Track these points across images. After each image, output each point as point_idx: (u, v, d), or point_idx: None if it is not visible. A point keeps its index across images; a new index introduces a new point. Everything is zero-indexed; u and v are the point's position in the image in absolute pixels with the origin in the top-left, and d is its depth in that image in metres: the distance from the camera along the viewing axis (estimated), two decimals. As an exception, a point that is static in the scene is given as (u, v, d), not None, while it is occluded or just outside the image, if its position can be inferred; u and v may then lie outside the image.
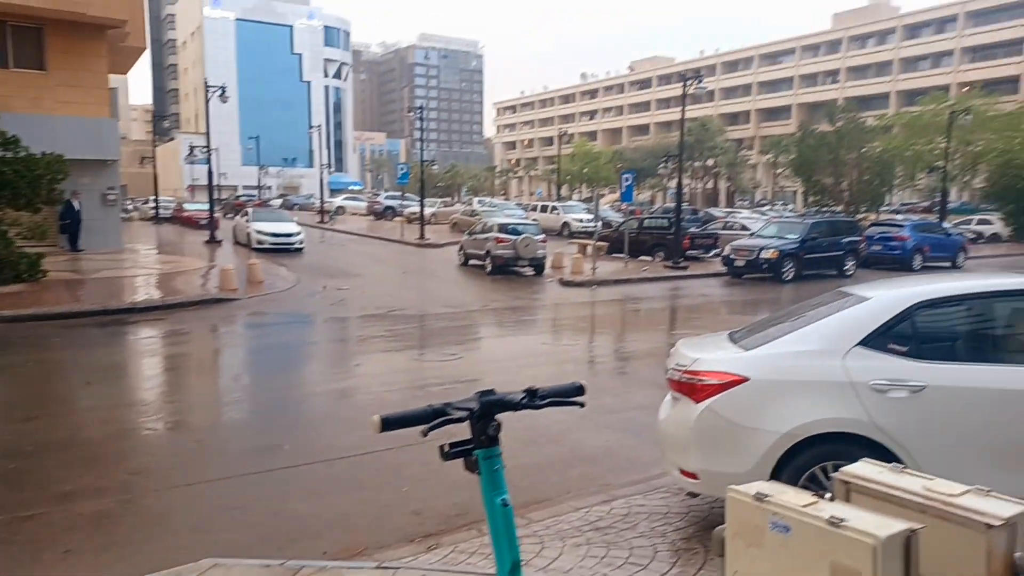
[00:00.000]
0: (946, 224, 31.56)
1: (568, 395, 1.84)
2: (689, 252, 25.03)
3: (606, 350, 12.18)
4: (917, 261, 23.67)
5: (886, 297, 4.15)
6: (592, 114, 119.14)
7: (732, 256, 21.43)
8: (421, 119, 36.92)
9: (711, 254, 25.91)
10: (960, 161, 45.61)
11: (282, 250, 25.71)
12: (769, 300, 17.39)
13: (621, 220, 31.33)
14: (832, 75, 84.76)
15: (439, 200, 57.51)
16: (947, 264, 24.74)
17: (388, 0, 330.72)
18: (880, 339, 3.92)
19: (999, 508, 2.03)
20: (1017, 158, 37.88)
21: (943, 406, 3.74)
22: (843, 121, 36.91)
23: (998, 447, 3.74)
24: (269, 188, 76.19)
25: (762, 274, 20.73)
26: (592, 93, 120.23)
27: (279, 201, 62.76)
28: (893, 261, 23.58)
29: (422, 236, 31.38)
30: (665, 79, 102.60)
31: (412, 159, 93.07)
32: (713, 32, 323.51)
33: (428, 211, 38.65)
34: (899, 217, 35.96)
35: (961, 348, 4.19)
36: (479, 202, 48.63)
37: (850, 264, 22.07)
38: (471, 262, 23.03)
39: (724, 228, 29.67)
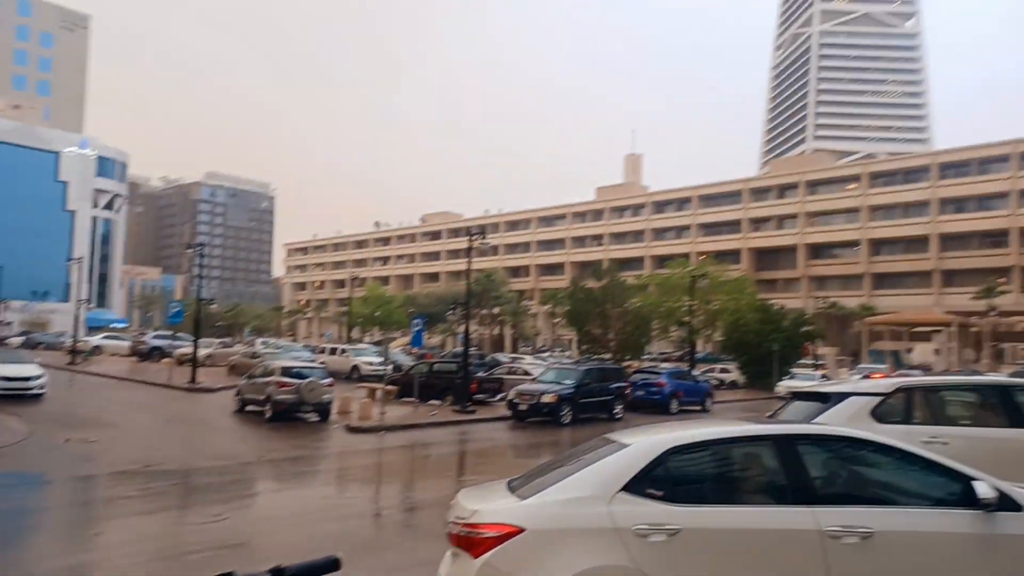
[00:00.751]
0: (695, 372, 35.82)
1: (321, 571, 1.64)
2: (477, 396, 25.59)
3: (393, 501, 11.73)
4: (674, 405, 26.36)
5: (643, 444, 4.47)
6: (385, 260, 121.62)
7: (516, 400, 22.28)
8: (201, 255, 35.04)
9: (497, 398, 26.70)
10: (703, 317, 52.85)
11: (16, 396, 21.99)
12: (549, 443, 18.13)
13: (411, 364, 31.43)
14: (598, 239, 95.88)
15: (217, 340, 53.70)
16: (698, 408, 27.82)
17: (175, 137, 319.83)
18: (640, 484, 4.14)
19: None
20: (743, 317, 44.81)
21: (697, 548, 3.97)
22: (607, 279, 41.46)
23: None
24: (10, 324, 66.08)
25: (543, 417, 21.68)
26: (385, 240, 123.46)
27: (20, 339, 54.48)
28: (654, 405, 26.02)
29: (194, 380, 28.76)
30: (455, 232, 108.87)
31: (190, 296, 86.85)
32: (499, 191, 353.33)
33: (203, 352, 35.80)
34: (663, 365, 40.18)
35: (711, 491, 4.54)
36: (263, 343, 46.20)
37: (619, 408, 23.92)
38: (249, 408, 21.43)
39: (509, 373, 30.93)
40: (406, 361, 35.58)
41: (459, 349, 45.94)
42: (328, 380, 21.27)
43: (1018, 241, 64.43)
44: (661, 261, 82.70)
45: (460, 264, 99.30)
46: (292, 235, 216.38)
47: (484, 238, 27.85)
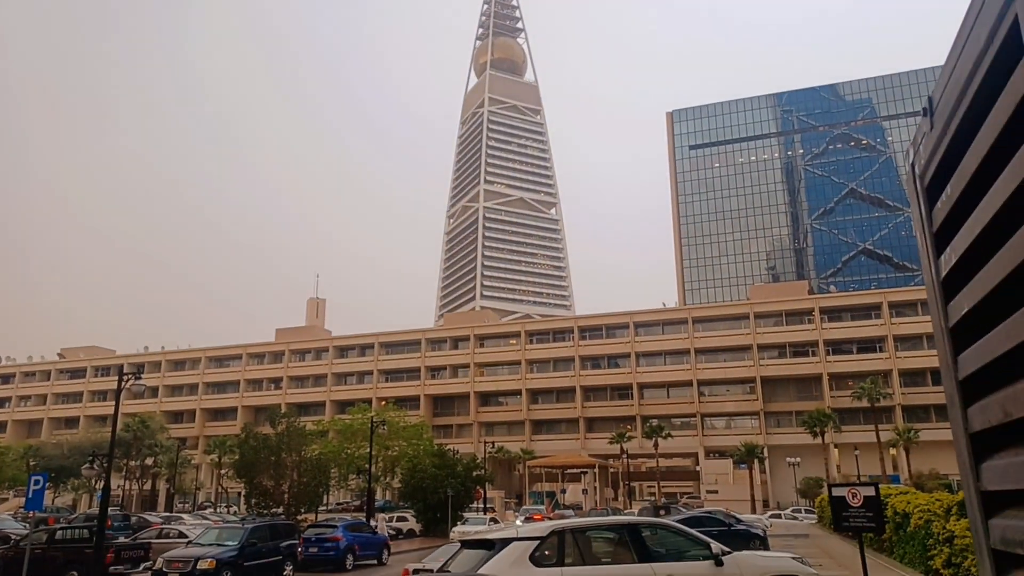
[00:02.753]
0: (373, 522, 35.03)
1: None
2: (113, 568, 21.52)
3: None
4: (349, 561, 25.19)
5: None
6: (4, 402, 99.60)
7: (165, 570, 19.26)
8: None
9: (141, 568, 22.75)
10: (382, 464, 52.66)
11: None
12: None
13: (24, 532, 25.41)
14: (276, 382, 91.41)
15: None
16: (374, 561, 26.97)
17: None
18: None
19: None
20: (421, 463, 45.76)
21: None
22: (284, 425, 39.44)
23: None
24: None
25: (200, 588, 18.99)
26: (7, 378, 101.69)
27: None
28: (328, 562, 24.57)
29: None
30: (104, 370, 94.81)
31: None
32: (168, 330, 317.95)
33: None
34: (336, 517, 38.45)
35: None
36: None
37: (288, 569, 22.11)
38: None
39: (160, 536, 26.77)
40: (15, 529, 28.72)
41: (96, 510, 38.71)
42: None
43: (638, 395, 77.71)
44: (343, 406, 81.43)
45: (107, 407, 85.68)
46: None
47: (140, 377, 24.77)
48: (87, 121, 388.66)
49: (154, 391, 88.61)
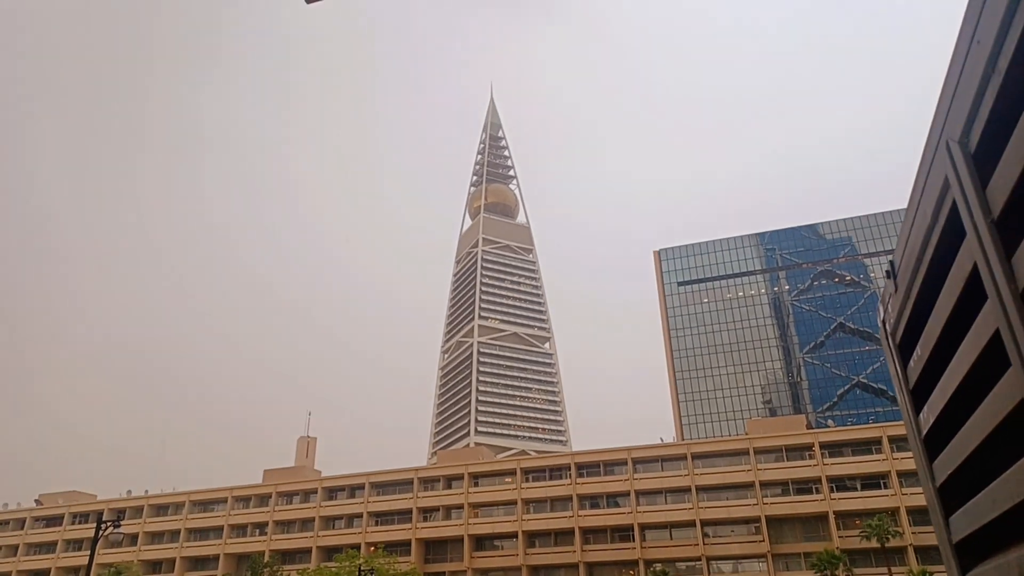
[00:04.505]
0: None
1: None
2: None
3: None
4: None
5: None
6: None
7: None
8: None
9: None
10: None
11: None
12: None
13: None
14: (261, 527, 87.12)
15: None
16: None
17: None
18: None
19: None
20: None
21: None
22: (266, 575, 37.15)
23: None
24: None
25: None
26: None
27: None
28: None
29: None
30: (83, 517, 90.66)
31: None
32: (153, 476, 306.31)
33: None
34: None
35: None
36: None
37: None
38: None
39: None
40: None
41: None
42: None
43: (640, 536, 74.14)
44: (330, 553, 77.20)
45: (82, 557, 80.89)
46: None
47: (119, 524, 23.66)
48: (40, 262, 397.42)
49: (133, 539, 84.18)
